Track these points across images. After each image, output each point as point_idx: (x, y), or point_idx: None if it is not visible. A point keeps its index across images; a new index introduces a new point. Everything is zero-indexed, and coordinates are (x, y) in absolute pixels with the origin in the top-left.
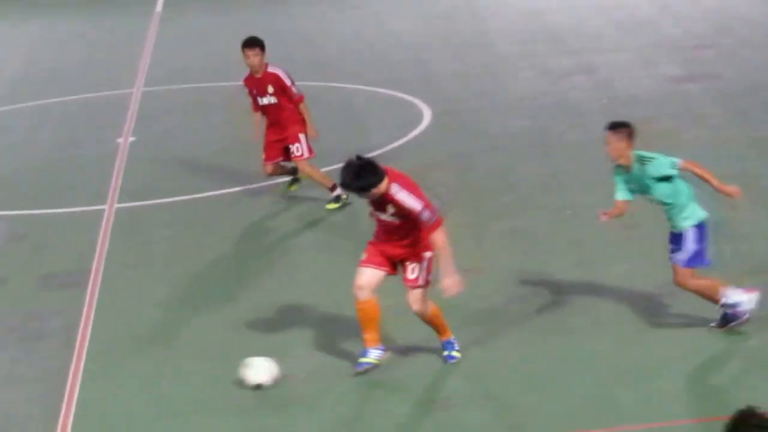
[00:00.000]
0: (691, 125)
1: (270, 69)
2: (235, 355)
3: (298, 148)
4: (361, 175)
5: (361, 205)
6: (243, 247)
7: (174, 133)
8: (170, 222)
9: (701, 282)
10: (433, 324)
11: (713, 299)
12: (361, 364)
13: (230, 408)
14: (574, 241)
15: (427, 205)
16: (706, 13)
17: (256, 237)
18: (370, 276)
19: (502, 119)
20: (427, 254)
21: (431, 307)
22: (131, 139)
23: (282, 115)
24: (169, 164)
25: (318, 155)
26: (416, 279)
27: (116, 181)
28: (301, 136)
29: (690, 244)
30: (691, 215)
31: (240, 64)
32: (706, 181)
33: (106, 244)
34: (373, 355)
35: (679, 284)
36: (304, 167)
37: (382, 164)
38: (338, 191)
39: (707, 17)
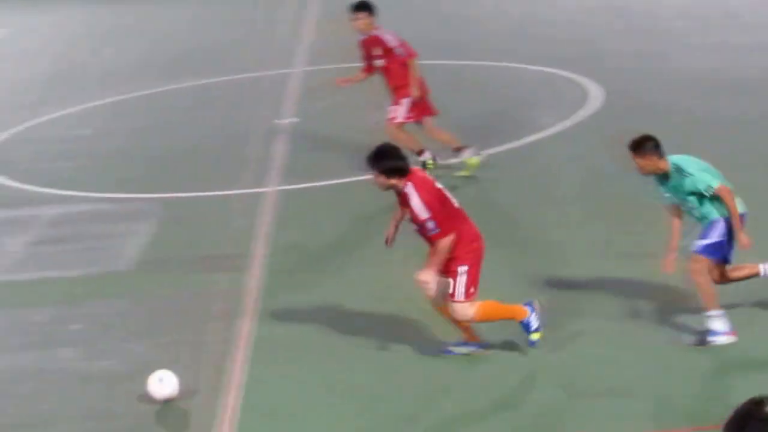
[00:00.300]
0: None
1: (375, 32)
2: (403, 345)
3: (394, 110)
4: (377, 155)
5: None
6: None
7: (336, 112)
8: (333, 204)
9: (707, 286)
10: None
11: (704, 307)
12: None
13: (393, 390)
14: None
15: (434, 217)
16: None
17: None
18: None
19: (675, 98)
20: (461, 268)
21: (478, 313)
22: (292, 119)
23: (389, 77)
24: (332, 145)
25: (486, 134)
26: (453, 294)
27: (277, 162)
28: (403, 100)
29: (714, 233)
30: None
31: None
32: (730, 215)
33: (268, 227)
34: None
35: (690, 272)
36: (391, 130)
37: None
38: (425, 155)
39: None
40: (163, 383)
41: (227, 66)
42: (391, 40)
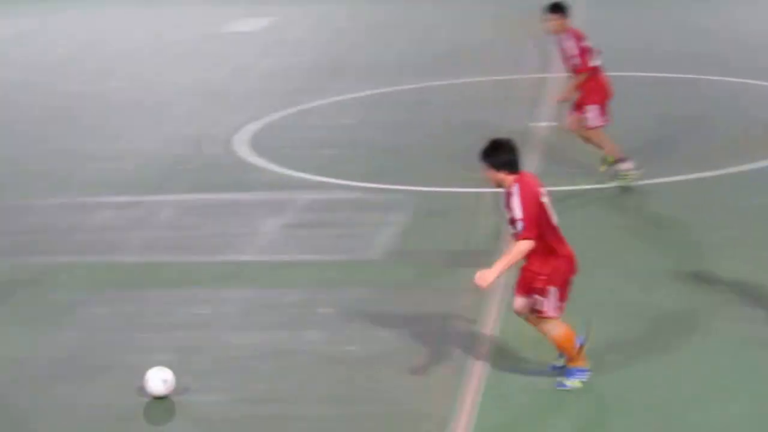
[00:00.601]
0: None
1: (564, 35)
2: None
3: (586, 119)
4: (491, 147)
5: None
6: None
7: None
8: (586, 208)
9: None
10: (563, 348)
11: None
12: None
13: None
14: None
15: (525, 219)
16: None
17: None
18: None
19: None
20: (551, 288)
21: (562, 332)
22: (547, 123)
23: (577, 81)
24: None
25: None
26: (544, 311)
27: (534, 165)
28: (590, 107)
29: None
30: None
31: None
32: None
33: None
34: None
35: None
36: (591, 135)
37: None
38: (626, 164)
39: None
40: (166, 384)
41: (485, 65)
42: (571, 48)
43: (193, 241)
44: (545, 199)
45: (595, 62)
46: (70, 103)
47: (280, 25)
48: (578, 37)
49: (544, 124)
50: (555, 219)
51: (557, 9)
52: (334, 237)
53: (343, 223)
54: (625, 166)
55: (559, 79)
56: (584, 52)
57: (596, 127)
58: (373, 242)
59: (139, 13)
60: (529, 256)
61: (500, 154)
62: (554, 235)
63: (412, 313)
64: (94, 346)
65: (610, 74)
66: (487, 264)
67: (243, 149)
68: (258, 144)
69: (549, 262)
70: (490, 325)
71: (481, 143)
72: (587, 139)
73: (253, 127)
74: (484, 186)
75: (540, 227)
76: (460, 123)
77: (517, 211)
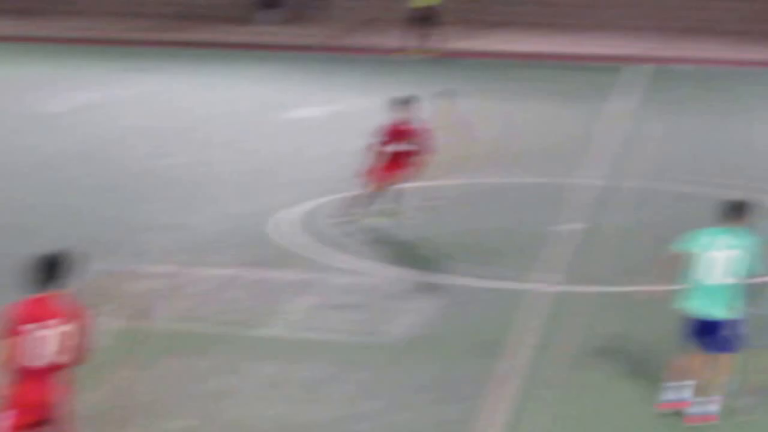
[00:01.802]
0: None
1: None
2: None
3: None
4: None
5: None
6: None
7: (631, 226)
8: (612, 312)
9: None
10: None
11: None
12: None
13: None
14: None
15: None
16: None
17: None
18: None
19: None
20: None
21: None
22: (578, 225)
23: None
24: (616, 253)
25: None
26: None
27: (561, 263)
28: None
29: None
30: None
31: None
32: None
33: (542, 322)
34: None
35: None
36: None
37: None
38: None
39: None
40: None
41: (532, 167)
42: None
43: (226, 313)
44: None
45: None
46: (129, 174)
47: (346, 112)
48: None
49: (574, 226)
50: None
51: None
52: (361, 320)
53: (371, 305)
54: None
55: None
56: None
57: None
58: (398, 326)
59: (209, 88)
60: None
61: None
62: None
63: (426, 399)
64: (117, 408)
65: None
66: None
67: (289, 228)
68: (305, 224)
69: None
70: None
71: (513, 240)
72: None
73: (302, 208)
74: (511, 281)
75: None
76: (496, 219)
77: None
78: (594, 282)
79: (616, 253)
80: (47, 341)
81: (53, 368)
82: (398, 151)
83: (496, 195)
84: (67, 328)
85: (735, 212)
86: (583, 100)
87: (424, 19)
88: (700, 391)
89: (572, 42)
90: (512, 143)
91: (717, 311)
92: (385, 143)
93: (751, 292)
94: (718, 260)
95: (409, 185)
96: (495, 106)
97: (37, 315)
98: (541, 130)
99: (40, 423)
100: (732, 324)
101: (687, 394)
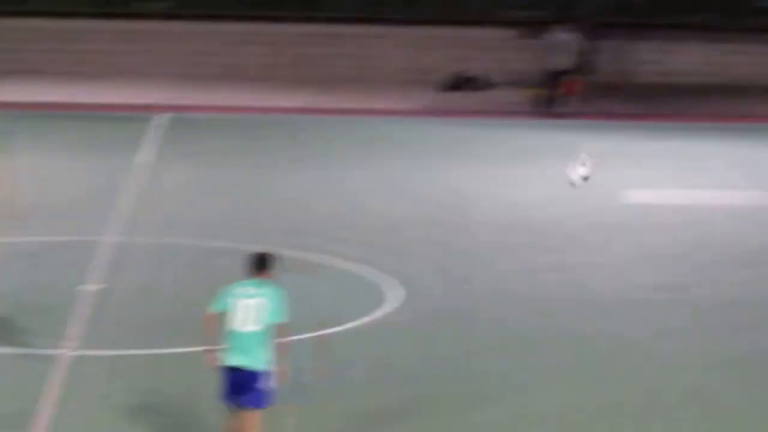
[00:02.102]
0: (657, 335)
1: None
2: None
3: None
4: None
5: None
6: (200, 405)
7: (145, 286)
8: (129, 375)
9: None
10: None
11: None
12: None
13: None
14: None
15: None
16: (689, 224)
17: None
18: None
19: (472, 311)
20: None
21: None
22: (99, 286)
23: None
24: (137, 316)
25: None
26: None
27: (76, 328)
28: None
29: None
30: None
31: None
32: None
33: (58, 391)
34: None
35: None
36: None
37: None
38: None
39: (689, 230)
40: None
41: (40, 226)
42: None
43: None
44: None
45: None
46: None
47: None
48: None
49: (94, 287)
50: None
51: None
52: None
53: None
54: None
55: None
56: None
57: None
58: None
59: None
60: None
61: None
62: None
63: None
64: None
65: None
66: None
67: None
68: None
69: None
70: None
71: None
72: None
73: None
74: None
75: None
76: (12, 284)
77: None
78: (113, 345)
79: (135, 314)
80: None
81: None
82: None
83: (3, 256)
84: None
85: (259, 264)
86: (102, 151)
87: None
88: None
89: (92, 91)
90: (24, 200)
91: (248, 361)
92: None
93: (279, 348)
94: (247, 310)
95: None
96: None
97: None
98: (57, 184)
99: None
100: (263, 377)
101: None
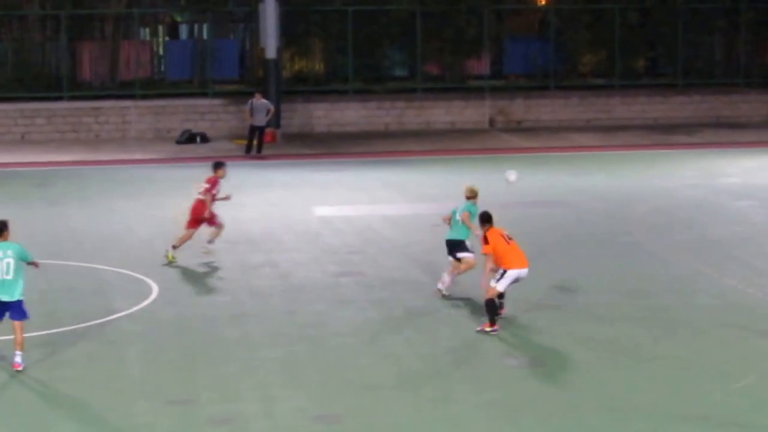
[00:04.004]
0: (339, 306)
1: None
2: None
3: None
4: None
5: None
6: None
7: None
8: None
9: None
10: None
11: None
12: None
13: None
14: None
15: None
16: (358, 228)
17: None
18: None
19: (213, 299)
20: None
21: None
22: None
23: None
24: None
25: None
26: None
27: None
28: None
29: None
30: None
31: None
32: None
33: None
34: None
35: None
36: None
37: None
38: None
39: (358, 233)
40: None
41: None
42: None
43: None
44: None
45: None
46: None
47: None
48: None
49: None
50: None
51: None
52: None
53: None
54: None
55: None
56: None
57: None
58: None
59: None
60: None
61: None
62: None
63: None
64: None
65: None
66: None
67: None
68: None
69: None
70: None
71: None
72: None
73: None
74: None
75: None
76: None
77: None
78: None
79: None
80: None
81: None
82: None
83: None
84: None
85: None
86: None
87: None
88: None
89: None
90: None
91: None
92: None
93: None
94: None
95: None
96: None
97: None
98: None
99: None
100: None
101: None
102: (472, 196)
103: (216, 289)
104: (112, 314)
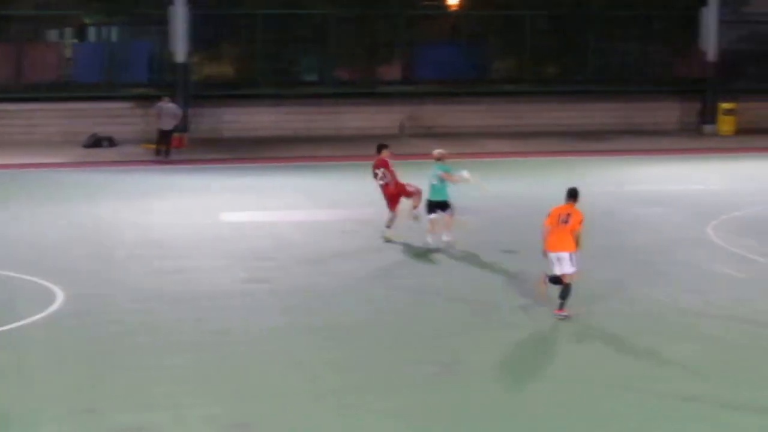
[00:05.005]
0: (253, 312)
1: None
2: None
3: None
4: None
5: None
6: None
7: None
8: None
9: None
10: None
11: None
12: None
13: None
14: None
15: None
16: (268, 234)
17: None
18: None
19: (118, 302)
20: None
21: None
22: None
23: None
24: None
25: None
26: None
27: None
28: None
29: None
30: None
31: None
32: None
33: None
34: None
35: None
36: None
37: None
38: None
39: (267, 239)
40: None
41: None
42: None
43: None
44: None
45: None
46: None
47: None
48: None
49: None
50: None
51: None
52: None
53: None
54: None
55: None
56: None
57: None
58: None
59: None
60: None
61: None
62: None
63: None
64: None
65: None
66: None
67: None
68: None
69: None
70: None
71: None
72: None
73: None
74: None
75: None
76: None
77: None
78: None
79: None
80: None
81: None
82: None
83: None
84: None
85: None
86: None
87: None
88: None
89: None
90: None
91: None
92: None
93: None
94: None
95: None
96: None
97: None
98: None
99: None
100: None
101: None
102: (440, 157)
103: (124, 295)
104: (16, 321)
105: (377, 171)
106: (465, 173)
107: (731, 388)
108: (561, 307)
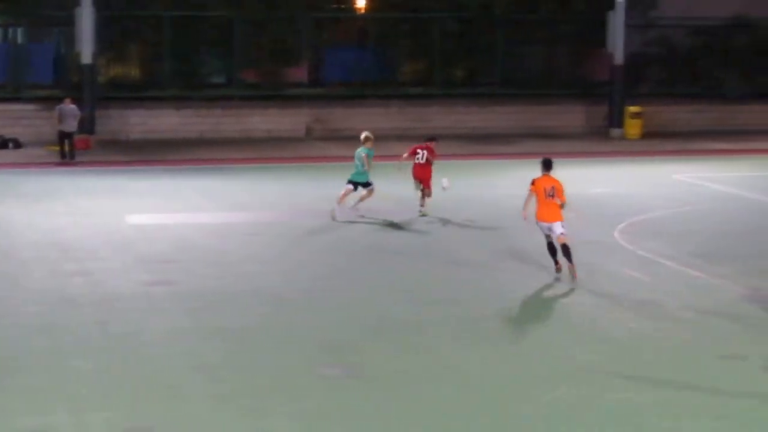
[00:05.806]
0: (157, 314)
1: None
2: None
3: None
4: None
5: None
6: None
7: None
8: None
9: None
10: None
11: None
12: None
13: None
14: None
15: None
16: (172, 236)
17: None
18: None
19: (20, 307)
20: None
21: None
22: None
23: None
24: None
25: None
26: None
27: None
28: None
29: None
30: None
31: None
32: None
33: None
34: None
35: None
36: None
37: None
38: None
39: (171, 241)
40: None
41: None
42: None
43: None
44: None
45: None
46: None
47: None
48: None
49: None
50: None
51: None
52: None
53: None
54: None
55: None
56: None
57: None
58: None
59: None
60: None
61: None
62: None
63: None
64: None
65: None
66: None
67: None
68: None
69: None
70: None
71: None
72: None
73: None
74: None
75: None
76: None
77: None
78: None
79: None
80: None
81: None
82: None
83: None
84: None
85: None
86: None
87: None
88: None
89: None
90: None
91: None
92: None
93: None
94: None
95: None
96: None
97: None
98: None
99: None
100: None
101: None
102: (366, 141)
103: (25, 297)
104: None
105: (420, 151)
106: (445, 181)
107: (634, 391)
108: (573, 264)
